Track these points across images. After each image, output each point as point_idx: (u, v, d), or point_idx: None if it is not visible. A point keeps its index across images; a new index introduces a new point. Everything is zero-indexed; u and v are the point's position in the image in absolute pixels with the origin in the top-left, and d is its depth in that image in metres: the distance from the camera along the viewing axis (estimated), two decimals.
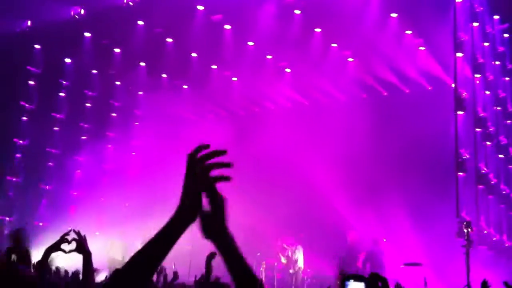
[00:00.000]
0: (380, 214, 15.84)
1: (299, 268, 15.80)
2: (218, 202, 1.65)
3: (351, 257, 14.53)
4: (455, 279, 12.54)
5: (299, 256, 15.89)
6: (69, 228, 4.43)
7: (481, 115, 14.23)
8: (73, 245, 4.25)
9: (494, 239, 14.39)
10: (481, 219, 13.50)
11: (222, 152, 1.65)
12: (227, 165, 1.64)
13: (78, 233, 4.23)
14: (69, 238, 4.32)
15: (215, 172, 1.66)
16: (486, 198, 14.12)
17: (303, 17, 15.73)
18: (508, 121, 16.43)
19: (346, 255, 14.63)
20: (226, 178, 1.65)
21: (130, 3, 16.38)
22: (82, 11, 17.35)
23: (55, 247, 4.39)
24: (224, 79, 19.39)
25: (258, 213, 17.09)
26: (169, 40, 17.67)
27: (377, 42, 15.79)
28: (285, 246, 16.01)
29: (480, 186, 13.65)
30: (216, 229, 1.66)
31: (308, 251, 16.10)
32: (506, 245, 15.18)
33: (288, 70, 18.71)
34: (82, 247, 4.17)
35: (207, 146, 1.66)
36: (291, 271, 15.72)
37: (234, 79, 19.56)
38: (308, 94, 19.27)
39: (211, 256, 5.79)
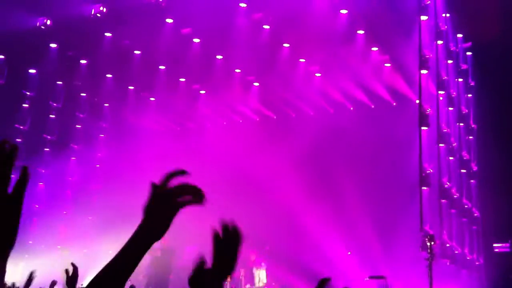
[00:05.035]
0: (345, 228, 15.97)
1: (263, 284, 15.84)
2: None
3: None
4: None
5: (261, 273, 15.89)
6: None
7: (445, 130, 14.51)
8: None
9: (456, 252, 14.63)
10: (444, 232, 13.71)
11: (182, 172, 1.62)
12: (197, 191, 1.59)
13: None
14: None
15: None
16: (448, 212, 14.36)
17: (272, 32, 15.85)
18: (470, 137, 16.84)
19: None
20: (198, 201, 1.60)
21: (98, 15, 16.21)
22: (49, 22, 17.08)
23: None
24: (192, 92, 19.33)
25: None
26: (137, 52, 17.54)
27: (344, 58, 16.01)
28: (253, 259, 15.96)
29: (443, 201, 13.87)
30: None
31: (274, 264, 16.06)
32: (468, 258, 15.47)
33: (256, 84, 18.79)
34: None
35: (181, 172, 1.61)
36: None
37: (202, 92, 19.52)
38: (276, 108, 19.37)
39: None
